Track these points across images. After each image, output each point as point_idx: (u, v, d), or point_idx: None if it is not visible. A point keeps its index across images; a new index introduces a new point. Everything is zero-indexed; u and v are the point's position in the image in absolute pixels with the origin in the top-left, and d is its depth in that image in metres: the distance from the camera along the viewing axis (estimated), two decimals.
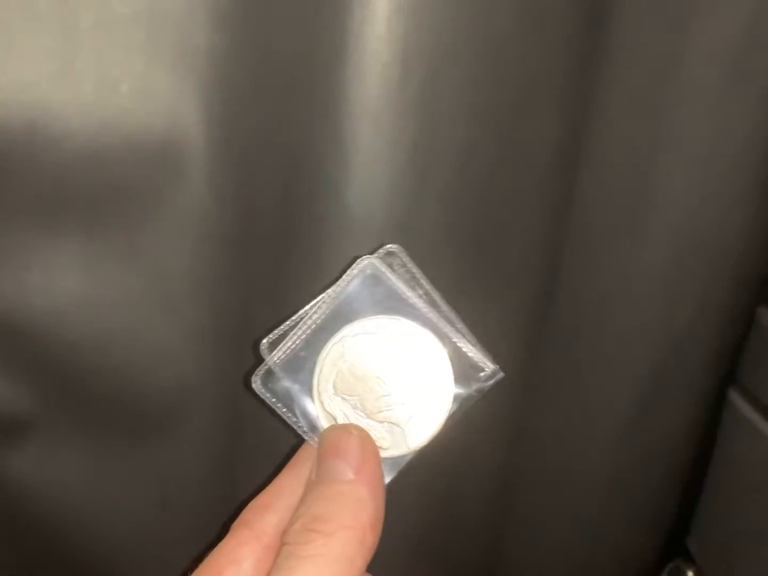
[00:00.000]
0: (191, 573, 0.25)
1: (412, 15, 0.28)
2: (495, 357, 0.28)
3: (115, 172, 0.30)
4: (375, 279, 0.27)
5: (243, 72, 0.30)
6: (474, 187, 0.31)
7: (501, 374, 0.27)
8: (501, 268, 0.34)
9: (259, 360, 0.27)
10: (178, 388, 0.33)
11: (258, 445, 0.35)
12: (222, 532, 0.26)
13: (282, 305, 0.32)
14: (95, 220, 0.31)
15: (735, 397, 0.43)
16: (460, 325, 0.27)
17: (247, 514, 0.26)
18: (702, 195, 0.37)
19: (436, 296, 0.27)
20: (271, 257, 0.32)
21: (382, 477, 0.24)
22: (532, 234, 0.35)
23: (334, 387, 0.27)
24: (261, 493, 0.27)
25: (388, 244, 0.27)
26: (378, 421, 0.27)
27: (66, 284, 0.31)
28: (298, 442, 0.29)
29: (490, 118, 0.31)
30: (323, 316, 0.27)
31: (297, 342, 0.27)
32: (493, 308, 0.35)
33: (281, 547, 0.23)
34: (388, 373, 0.27)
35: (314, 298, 0.27)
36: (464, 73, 0.29)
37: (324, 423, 0.27)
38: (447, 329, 0.27)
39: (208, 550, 0.25)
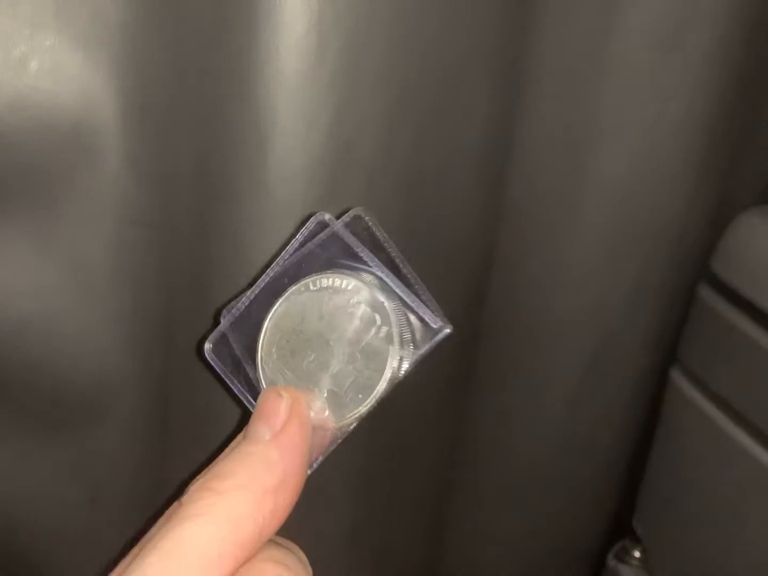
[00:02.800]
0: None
1: None
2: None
3: (25, 154, 0.29)
4: (328, 236, 0.25)
5: (156, 48, 0.29)
6: (398, 164, 0.31)
7: (448, 330, 0.24)
8: (428, 248, 0.33)
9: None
10: (101, 375, 0.32)
11: (187, 431, 0.34)
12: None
13: (204, 287, 0.31)
14: (5, 204, 0.29)
15: (676, 376, 0.43)
16: (417, 285, 0.25)
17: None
18: (637, 174, 0.37)
19: (398, 259, 0.25)
20: (192, 239, 0.31)
21: (304, 442, 0.22)
22: (462, 212, 0.34)
23: (277, 349, 0.25)
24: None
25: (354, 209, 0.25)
26: (316, 385, 0.24)
27: None
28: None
29: (414, 91, 0.30)
30: (274, 276, 0.24)
31: (245, 303, 0.25)
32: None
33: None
34: (330, 332, 0.25)
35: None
36: (384, 44, 0.28)
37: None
38: (398, 289, 0.24)
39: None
